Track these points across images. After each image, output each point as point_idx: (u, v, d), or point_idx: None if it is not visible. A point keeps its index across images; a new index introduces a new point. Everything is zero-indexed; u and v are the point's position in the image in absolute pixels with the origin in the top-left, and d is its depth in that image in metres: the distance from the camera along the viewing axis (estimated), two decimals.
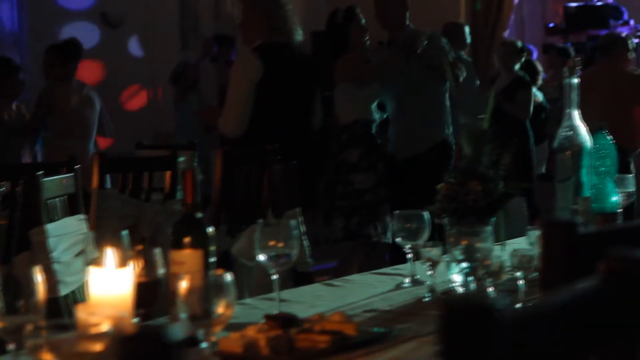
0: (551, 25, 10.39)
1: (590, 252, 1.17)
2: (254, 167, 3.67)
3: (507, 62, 6.97)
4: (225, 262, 3.28)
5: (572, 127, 2.55)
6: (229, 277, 1.56)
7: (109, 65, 7.85)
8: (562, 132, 2.56)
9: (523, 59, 7.09)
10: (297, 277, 2.96)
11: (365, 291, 2.30)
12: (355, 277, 2.55)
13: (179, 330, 0.71)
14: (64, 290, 2.55)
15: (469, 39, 6.84)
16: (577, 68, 2.53)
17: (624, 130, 5.70)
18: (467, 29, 6.84)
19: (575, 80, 2.52)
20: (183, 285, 1.53)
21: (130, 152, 5.23)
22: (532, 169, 6.60)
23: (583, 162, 2.56)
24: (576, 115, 2.56)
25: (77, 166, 2.93)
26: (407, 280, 2.37)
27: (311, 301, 2.19)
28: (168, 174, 3.73)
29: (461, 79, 4.93)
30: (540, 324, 0.82)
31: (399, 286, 2.35)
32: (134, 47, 8.16)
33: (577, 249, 1.22)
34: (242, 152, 3.84)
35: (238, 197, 3.68)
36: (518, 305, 1.95)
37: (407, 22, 4.96)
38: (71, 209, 2.80)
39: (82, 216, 2.82)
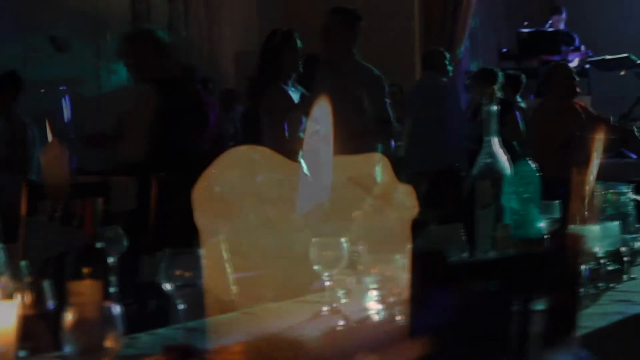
0: (504, 50, 10.49)
1: (459, 282, 1.17)
2: (188, 193, 3.64)
3: (486, 88, 7.08)
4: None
5: (492, 155, 2.56)
6: (117, 308, 1.54)
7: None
8: (482, 160, 2.57)
9: (500, 83, 7.19)
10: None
11: (281, 320, 2.28)
12: (275, 305, 2.53)
13: None
14: None
15: (450, 67, 6.88)
16: (496, 96, 2.54)
17: (567, 162, 5.74)
18: (448, 56, 6.88)
19: (494, 108, 2.54)
20: (72, 317, 1.51)
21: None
22: None
23: (503, 189, 2.57)
24: (496, 142, 2.57)
25: None
26: (325, 308, 2.35)
27: (224, 330, 2.17)
28: (101, 200, 3.68)
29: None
30: None
31: (316, 314, 2.33)
32: None
33: (444, 279, 1.22)
34: (177, 177, 3.82)
35: (174, 222, 3.66)
36: None
37: (354, 53, 4.90)
38: None
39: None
